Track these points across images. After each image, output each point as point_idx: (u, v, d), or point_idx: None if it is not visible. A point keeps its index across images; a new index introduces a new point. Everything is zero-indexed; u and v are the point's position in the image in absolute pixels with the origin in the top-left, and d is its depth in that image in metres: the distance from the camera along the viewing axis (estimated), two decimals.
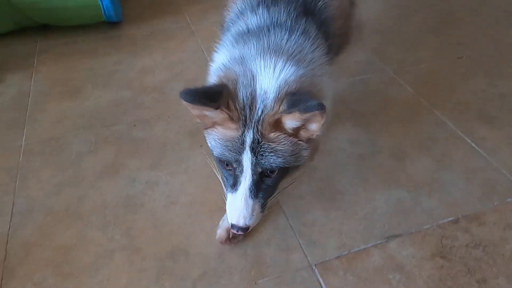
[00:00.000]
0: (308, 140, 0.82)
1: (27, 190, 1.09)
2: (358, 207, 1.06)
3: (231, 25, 1.00)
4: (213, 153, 0.85)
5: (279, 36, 0.89)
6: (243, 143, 0.79)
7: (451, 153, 1.22)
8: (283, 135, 0.79)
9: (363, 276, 0.91)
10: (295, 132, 0.80)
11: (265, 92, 0.80)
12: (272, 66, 0.82)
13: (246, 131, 0.79)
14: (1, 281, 0.89)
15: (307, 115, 0.73)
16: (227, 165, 0.84)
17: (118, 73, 1.57)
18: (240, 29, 0.95)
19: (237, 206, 0.81)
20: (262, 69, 0.82)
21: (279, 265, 0.93)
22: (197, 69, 1.58)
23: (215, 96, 0.75)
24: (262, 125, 0.78)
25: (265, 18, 0.93)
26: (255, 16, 0.95)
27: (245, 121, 0.79)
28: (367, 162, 1.19)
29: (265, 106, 0.79)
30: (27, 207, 1.05)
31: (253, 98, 0.79)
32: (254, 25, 0.93)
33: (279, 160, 0.79)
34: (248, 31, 0.92)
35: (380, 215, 1.04)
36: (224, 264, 0.93)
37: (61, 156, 1.20)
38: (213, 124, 0.82)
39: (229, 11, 1.04)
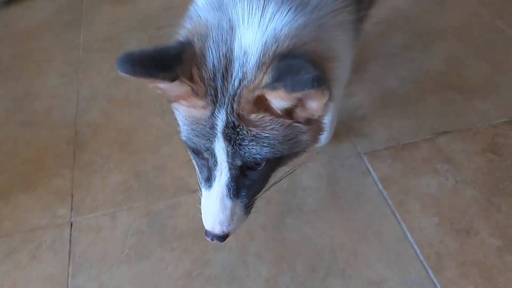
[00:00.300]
0: (308, 121, 0.59)
1: (89, 81, 1.16)
2: (409, 105, 1.06)
3: None
4: (180, 135, 0.63)
5: None
6: (213, 127, 0.57)
7: (509, 59, 1.17)
8: (270, 117, 0.56)
9: (411, 165, 0.93)
10: (288, 113, 0.57)
11: (245, 53, 0.56)
12: (259, 12, 0.58)
13: (217, 110, 0.56)
14: (74, 153, 0.99)
15: (296, 94, 0.50)
16: (197, 154, 0.63)
17: None
18: None
19: (212, 209, 0.61)
20: (245, 16, 0.58)
21: (328, 152, 0.97)
22: None
23: (170, 62, 0.53)
24: (238, 103, 0.55)
25: None
26: None
27: (216, 95, 0.56)
28: (420, 65, 1.17)
29: (244, 74, 0.55)
30: (90, 95, 1.12)
31: (228, 62, 0.56)
32: None
33: (265, 150, 0.58)
34: None
35: (431, 113, 1.04)
36: None
37: (118, 53, 1.25)
38: (177, 99, 0.60)
39: None
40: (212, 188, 0.61)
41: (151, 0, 1.46)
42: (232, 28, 0.57)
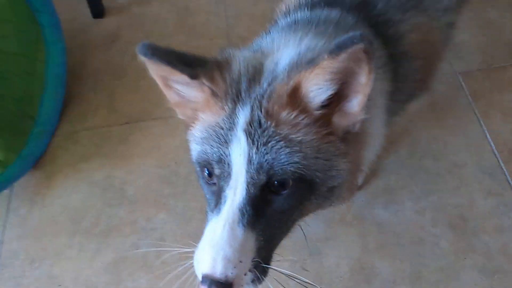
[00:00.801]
0: (346, 136, 0.52)
1: (234, 2, 1.43)
2: (505, 33, 1.25)
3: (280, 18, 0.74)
4: (192, 160, 0.56)
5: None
6: (232, 126, 0.49)
7: None
8: (304, 118, 0.49)
9: (498, 84, 1.16)
10: (325, 117, 0.50)
11: (277, 63, 0.53)
12: (295, 41, 0.56)
13: (239, 107, 0.50)
14: None
15: (342, 56, 0.43)
16: (209, 174, 0.53)
17: None
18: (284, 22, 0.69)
19: (215, 239, 0.47)
20: (280, 45, 0.57)
21: None
22: None
23: (193, 62, 0.50)
24: (269, 99, 0.49)
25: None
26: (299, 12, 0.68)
27: (238, 95, 0.51)
28: None
29: (274, 77, 0.51)
30: (235, 13, 1.41)
31: (256, 70, 0.53)
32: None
33: (296, 159, 0.48)
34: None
35: None
36: None
37: None
38: (194, 113, 0.55)
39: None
40: (221, 212, 0.48)
41: None
42: (263, 52, 0.57)
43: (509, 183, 0.99)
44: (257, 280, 0.48)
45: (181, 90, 0.54)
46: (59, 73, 1.19)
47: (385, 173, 1.03)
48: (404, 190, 1.00)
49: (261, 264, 0.47)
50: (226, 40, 1.34)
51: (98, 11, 1.41)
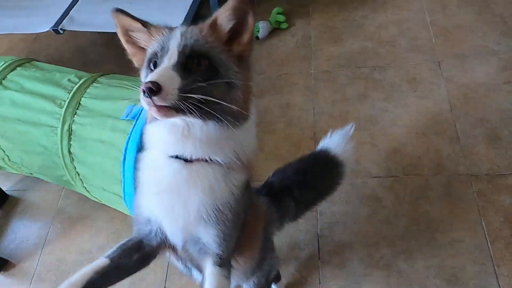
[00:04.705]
0: (240, 59, 0.75)
1: (318, 101, 2.09)
2: (510, 148, 1.76)
3: None
4: (142, 69, 0.81)
5: None
6: (171, 34, 0.74)
7: None
8: (217, 37, 0.74)
9: (500, 188, 1.68)
10: (229, 42, 0.75)
11: None
12: None
13: (177, 29, 0.75)
14: (314, 146, 1.96)
15: (235, 1, 0.71)
16: (154, 65, 0.73)
17: (364, 26, 2.36)
18: None
19: (155, 72, 0.67)
20: None
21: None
22: (419, 29, 2.26)
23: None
24: (196, 27, 0.75)
25: None
26: None
27: (172, 29, 0.77)
28: None
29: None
30: (320, 111, 2.06)
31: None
32: None
33: (208, 50, 0.72)
34: None
35: None
36: None
37: (334, 83, 2.16)
38: (143, 57, 0.80)
39: None
40: (158, 67, 0.69)
41: (352, 43, 2.29)
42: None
43: (492, 257, 1.51)
44: (179, 103, 0.65)
45: (137, 37, 0.80)
46: None
47: (408, 237, 1.60)
48: (419, 251, 1.56)
49: (184, 95, 0.65)
50: (312, 130, 2.00)
51: None
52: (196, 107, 0.66)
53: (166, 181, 0.77)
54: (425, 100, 1.98)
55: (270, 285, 1.40)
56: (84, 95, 1.61)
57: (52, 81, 1.69)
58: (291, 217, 1.35)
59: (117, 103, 1.55)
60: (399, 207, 1.69)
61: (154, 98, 0.63)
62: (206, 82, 0.69)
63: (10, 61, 1.81)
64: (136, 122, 1.46)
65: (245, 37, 0.75)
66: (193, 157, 0.75)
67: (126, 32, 0.82)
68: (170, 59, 0.69)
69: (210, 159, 0.76)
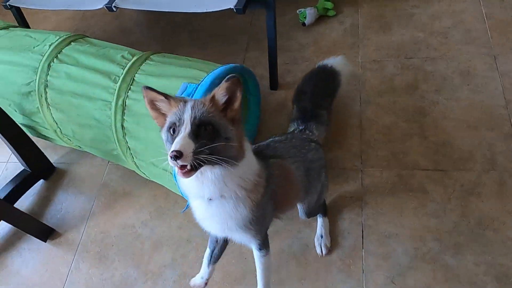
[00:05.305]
0: (232, 121, 0.98)
1: (366, 89, 2.05)
2: None
3: None
4: (163, 134, 1.00)
5: None
6: (184, 108, 0.96)
7: None
8: (216, 108, 0.97)
9: None
10: (224, 110, 0.98)
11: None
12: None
13: (187, 104, 0.97)
14: (360, 135, 1.93)
15: (230, 81, 0.94)
16: (172, 131, 0.95)
17: (415, 16, 2.30)
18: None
19: (177, 142, 0.89)
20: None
21: None
22: (473, 21, 2.17)
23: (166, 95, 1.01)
24: (202, 100, 0.98)
25: None
26: None
27: (185, 101, 0.98)
28: None
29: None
30: (367, 99, 2.02)
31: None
32: None
33: (211, 119, 0.95)
34: None
35: None
36: None
37: (382, 73, 2.11)
38: (164, 119, 1.00)
39: None
40: (180, 135, 0.91)
41: (402, 33, 2.23)
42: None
43: None
44: (194, 162, 0.89)
45: (160, 106, 1.01)
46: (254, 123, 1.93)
47: (456, 233, 1.56)
48: (468, 248, 1.52)
49: (197, 156, 0.90)
50: (358, 119, 1.96)
51: (274, 85, 2.13)
52: (206, 160, 0.91)
53: (201, 213, 1.13)
54: (478, 94, 1.91)
55: (318, 212, 1.62)
56: (138, 72, 1.63)
57: (106, 57, 1.72)
58: (327, 127, 1.66)
59: (171, 80, 1.56)
60: (447, 202, 1.64)
61: (178, 161, 0.87)
62: (212, 142, 0.92)
63: (64, 36, 1.86)
64: None
65: (236, 104, 0.99)
66: (211, 197, 1.04)
67: (152, 101, 1.02)
68: (185, 129, 0.92)
69: (224, 195, 1.04)
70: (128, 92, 1.58)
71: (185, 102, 0.98)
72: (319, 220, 1.62)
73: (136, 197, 1.93)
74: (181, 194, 1.57)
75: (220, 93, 0.97)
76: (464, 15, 2.22)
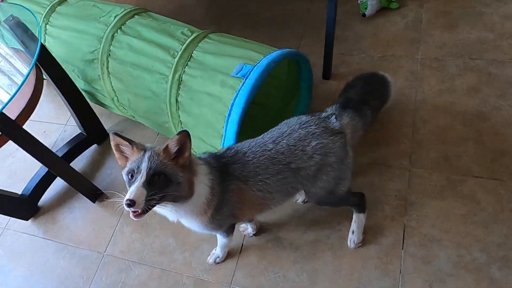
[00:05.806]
0: (182, 167, 1.14)
1: (422, 89, 1.98)
2: None
3: None
4: (124, 175, 1.16)
5: None
6: (142, 157, 1.12)
7: None
8: (168, 157, 1.13)
9: None
10: (176, 158, 1.14)
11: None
12: None
13: (146, 152, 1.13)
14: (412, 133, 1.86)
15: (181, 134, 1.11)
16: (131, 176, 1.12)
17: (485, 15, 2.17)
18: None
19: (132, 190, 1.07)
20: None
21: None
22: None
23: (130, 141, 1.16)
24: (157, 150, 1.13)
25: None
26: None
27: (145, 149, 1.15)
28: None
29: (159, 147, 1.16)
30: (422, 98, 1.94)
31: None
32: None
33: (163, 169, 1.11)
34: None
35: None
36: None
37: (442, 72, 2.02)
38: (126, 161, 1.17)
39: None
40: (135, 183, 1.08)
41: (469, 32, 2.12)
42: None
43: None
44: (146, 207, 1.09)
45: (124, 149, 1.17)
46: (303, 111, 1.92)
47: (507, 246, 1.48)
48: None
49: (148, 202, 1.09)
50: (411, 118, 1.89)
51: (327, 74, 2.10)
52: (156, 204, 1.12)
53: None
54: None
55: (336, 205, 1.59)
56: (196, 49, 1.66)
57: (167, 32, 1.76)
58: (369, 125, 1.56)
59: (228, 60, 1.58)
60: (500, 213, 1.56)
61: (131, 208, 1.05)
62: (163, 190, 1.11)
63: (129, 9, 1.92)
64: (245, 80, 1.48)
65: (186, 153, 1.15)
66: (172, 219, 1.31)
67: (117, 145, 1.18)
68: (141, 178, 1.09)
69: (181, 217, 1.30)
70: (185, 67, 1.62)
71: (144, 151, 1.14)
72: (354, 216, 1.58)
73: None
74: None
75: (172, 144, 1.13)
76: None
